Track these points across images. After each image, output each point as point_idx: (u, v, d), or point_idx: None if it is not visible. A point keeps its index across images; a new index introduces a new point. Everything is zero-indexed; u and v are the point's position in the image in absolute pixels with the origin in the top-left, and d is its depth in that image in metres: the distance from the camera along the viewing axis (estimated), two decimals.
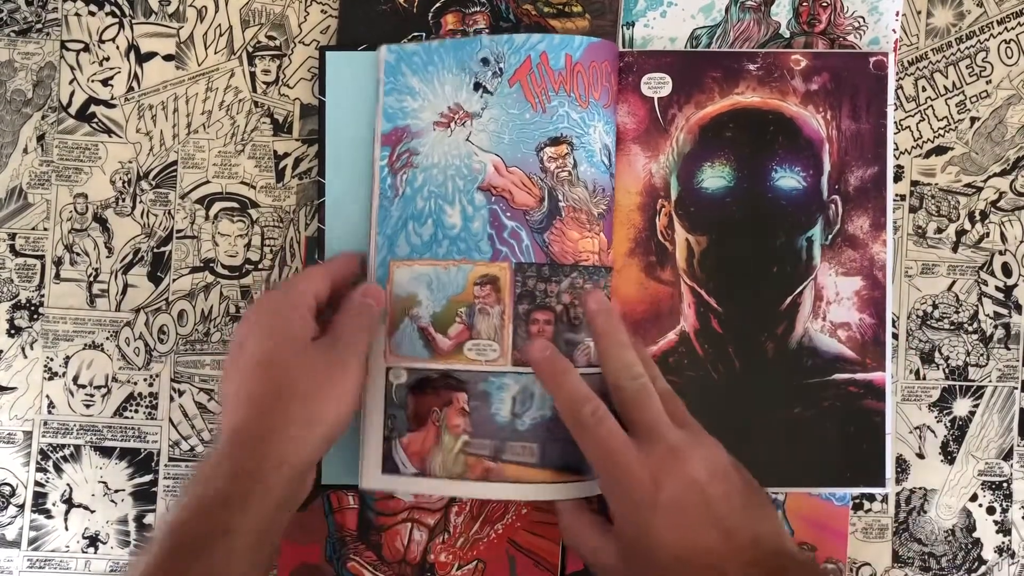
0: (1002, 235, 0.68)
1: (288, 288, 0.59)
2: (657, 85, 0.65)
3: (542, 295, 0.61)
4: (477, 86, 0.63)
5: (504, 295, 0.61)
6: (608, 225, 0.62)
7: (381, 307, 0.61)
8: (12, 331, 0.67)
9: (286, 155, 0.67)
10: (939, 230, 0.68)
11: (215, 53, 0.67)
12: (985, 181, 0.68)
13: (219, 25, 0.67)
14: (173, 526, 0.51)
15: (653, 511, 0.53)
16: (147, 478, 0.67)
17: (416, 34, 0.66)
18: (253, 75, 0.67)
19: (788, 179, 0.65)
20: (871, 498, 0.67)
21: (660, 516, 0.53)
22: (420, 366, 0.62)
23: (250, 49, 0.67)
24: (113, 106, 0.67)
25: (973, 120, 0.68)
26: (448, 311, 0.62)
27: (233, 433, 0.54)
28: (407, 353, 0.62)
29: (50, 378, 0.67)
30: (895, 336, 0.67)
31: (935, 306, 0.68)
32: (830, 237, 0.65)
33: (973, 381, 0.68)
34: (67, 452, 0.67)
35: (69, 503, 0.67)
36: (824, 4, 0.66)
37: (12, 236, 0.67)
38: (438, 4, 0.66)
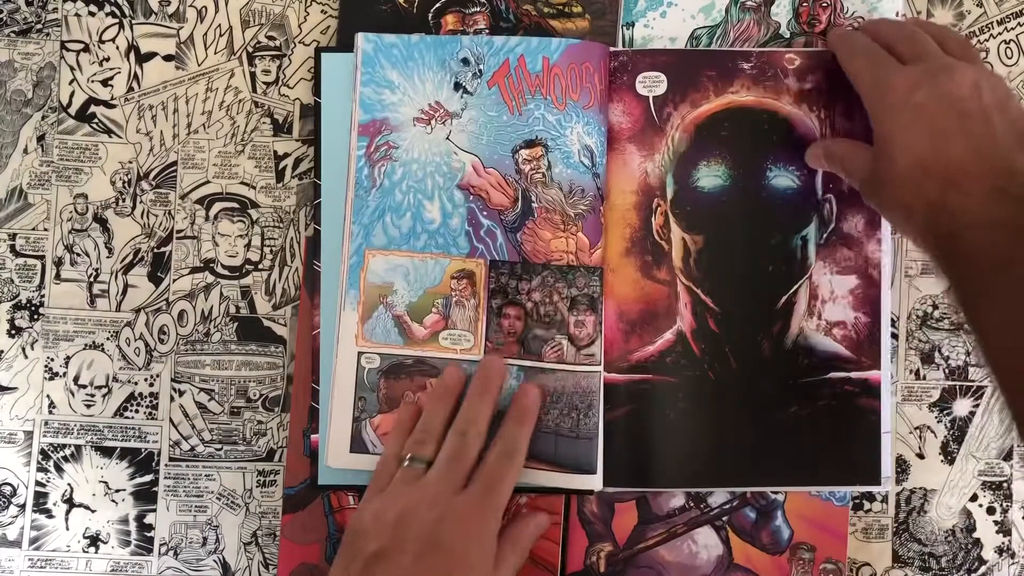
0: None
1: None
2: (652, 84, 0.65)
3: (514, 292, 0.63)
4: (457, 86, 0.64)
5: (479, 289, 0.63)
6: (592, 225, 0.63)
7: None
8: (12, 331, 0.67)
9: (286, 155, 0.67)
10: None
11: (215, 53, 0.68)
12: None
13: (219, 25, 0.68)
14: None
15: (902, 110, 0.54)
16: (148, 478, 0.67)
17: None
18: (253, 75, 0.68)
19: (783, 178, 0.64)
20: (871, 498, 0.67)
21: (907, 115, 0.54)
22: (395, 352, 0.63)
23: (250, 49, 0.68)
24: (113, 106, 0.67)
25: None
26: (424, 301, 0.64)
27: None
28: (381, 340, 0.64)
29: (51, 378, 0.67)
30: (895, 336, 0.67)
31: (935, 306, 0.68)
32: (825, 236, 0.64)
33: (973, 381, 0.67)
34: (68, 452, 0.67)
35: (70, 503, 0.67)
36: (824, 4, 0.66)
37: (12, 236, 0.67)
38: (438, 4, 0.67)
